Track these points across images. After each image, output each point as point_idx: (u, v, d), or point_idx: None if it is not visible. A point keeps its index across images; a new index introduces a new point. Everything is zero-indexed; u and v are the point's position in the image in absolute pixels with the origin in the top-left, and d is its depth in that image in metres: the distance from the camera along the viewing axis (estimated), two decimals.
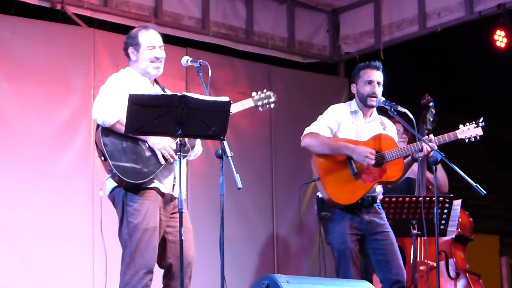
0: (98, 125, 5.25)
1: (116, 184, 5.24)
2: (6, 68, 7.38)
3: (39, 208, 7.33)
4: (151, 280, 5.22)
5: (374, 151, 5.91)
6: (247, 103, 5.64)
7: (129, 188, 5.21)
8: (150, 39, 5.47)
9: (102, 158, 5.15)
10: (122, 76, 5.43)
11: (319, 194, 6.01)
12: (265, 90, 5.75)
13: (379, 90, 6.07)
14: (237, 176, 4.83)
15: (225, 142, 4.96)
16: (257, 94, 5.71)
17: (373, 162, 5.89)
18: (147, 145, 5.22)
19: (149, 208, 5.21)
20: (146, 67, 5.44)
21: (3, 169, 7.25)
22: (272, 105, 5.74)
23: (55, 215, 7.39)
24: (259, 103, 5.69)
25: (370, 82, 6.06)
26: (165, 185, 5.31)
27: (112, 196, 5.33)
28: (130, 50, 5.46)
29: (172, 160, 5.25)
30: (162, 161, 5.23)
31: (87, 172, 7.60)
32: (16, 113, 7.38)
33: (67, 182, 7.51)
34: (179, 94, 4.88)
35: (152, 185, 5.24)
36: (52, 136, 7.53)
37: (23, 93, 7.43)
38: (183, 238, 4.92)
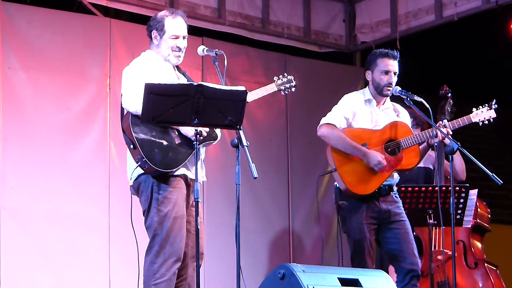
0: (124, 114, 5.19)
1: (142, 172, 5.17)
2: (22, 58, 7.39)
3: (56, 197, 7.36)
4: (178, 268, 5.20)
5: (384, 157, 5.89)
6: (271, 88, 5.82)
7: (158, 176, 5.16)
8: (175, 28, 5.40)
9: (131, 146, 5.10)
10: (145, 61, 5.37)
11: (337, 184, 6.01)
12: (285, 74, 5.94)
13: (395, 80, 6.03)
14: (253, 166, 4.83)
15: (241, 132, 4.94)
16: (279, 79, 5.89)
17: (383, 166, 5.88)
18: (177, 133, 5.19)
19: (178, 196, 5.19)
20: (168, 55, 5.40)
21: (20, 157, 7.27)
22: (293, 89, 5.94)
23: (72, 204, 7.41)
24: (282, 87, 5.89)
25: (387, 72, 6.00)
26: (192, 171, 5.27)
27: (137, 183, 5.25)
28: (154, 33, 5.40)
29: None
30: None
31: (104, 161, 7.62)
32: (33, 102, 7.40)
33: (83, 171, 7.53)
34: (195, 83, 4.87)
35: (180, 173, 5.21)
36: (69, 125, 7.55)
37: (39, 82, 7.45)
38: (199, 228, 4.94)
